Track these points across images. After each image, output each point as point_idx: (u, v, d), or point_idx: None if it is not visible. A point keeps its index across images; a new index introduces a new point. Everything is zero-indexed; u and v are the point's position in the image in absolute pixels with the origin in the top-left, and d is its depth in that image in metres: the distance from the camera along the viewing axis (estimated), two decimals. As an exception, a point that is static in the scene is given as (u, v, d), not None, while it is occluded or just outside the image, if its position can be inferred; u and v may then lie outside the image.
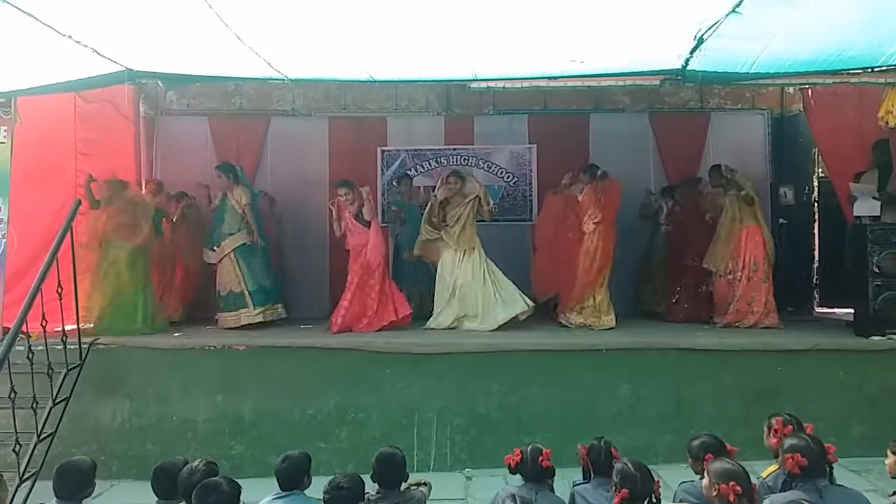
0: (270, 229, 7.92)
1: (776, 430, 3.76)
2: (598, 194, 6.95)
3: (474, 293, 6.93)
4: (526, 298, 6.91)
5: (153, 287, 6.88)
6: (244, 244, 7.05)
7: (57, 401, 5.31)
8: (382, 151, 8.68)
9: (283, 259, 8.30)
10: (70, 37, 4.69)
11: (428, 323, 6.96)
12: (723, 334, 6.61)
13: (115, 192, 6.69)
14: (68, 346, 5.55)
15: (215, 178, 7.22)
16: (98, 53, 5.15)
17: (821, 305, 8.44)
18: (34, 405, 5.04)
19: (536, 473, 3.47)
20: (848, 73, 5.82)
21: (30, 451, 4.94)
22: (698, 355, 6.04)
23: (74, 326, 5.89)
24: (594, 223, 6.92)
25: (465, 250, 7.00)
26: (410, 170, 8.60)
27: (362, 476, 3.47)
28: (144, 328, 6.52)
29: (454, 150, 8.69)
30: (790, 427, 3.71)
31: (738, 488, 2.90)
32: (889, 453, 3.60)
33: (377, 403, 5.93)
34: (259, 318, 6.97)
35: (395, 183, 8.33)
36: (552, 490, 3.54)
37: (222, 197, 7.15)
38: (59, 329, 5.53)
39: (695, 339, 6.30)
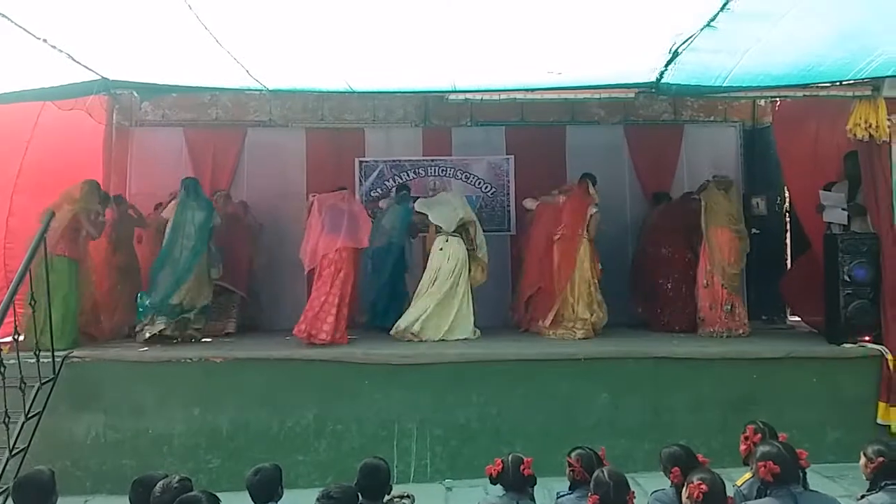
0: (240, 238, 7.88)
1: (746, 438, 3.83)
2: (572, 204, 7.10)
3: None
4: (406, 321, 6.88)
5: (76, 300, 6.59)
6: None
7: (30, 415, 5.21)
8: (360, 162, 8.68)
9: (256, 269, 8.23)
10: (45, 40, 4.63)
11: None
12: (699, 343, 6.69)
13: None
14: (41, 360, 5.44)
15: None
16: (73, 59, 5.10)
17: (794, 314, 8.56)
18: (6, 420, 4.93)
19: (518, 483, 3.47)
20: (817, 87, 5.95)
21: (2, 467, 4.82)
22: (675, 364, 6.09)
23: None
24: (560, 231, 7.07)
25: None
26: (388, 180, 8.61)
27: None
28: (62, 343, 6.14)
29: (432, 160, 8.72)
30: (759, 435, 3.78)
31: (704, 487, 2.95)
32: (861, 455, 3.68)
33: (356, 415, 5.90)
34: (170, 332, 6.68)
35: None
36: (533, 499, 3.55)
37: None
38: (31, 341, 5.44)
39: (671, 347, 6.37)
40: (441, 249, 7.06)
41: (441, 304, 6.93)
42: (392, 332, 6.92)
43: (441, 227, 7.12)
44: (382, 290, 7.64)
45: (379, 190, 8.56)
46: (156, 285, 6.70)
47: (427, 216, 7.20)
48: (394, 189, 8.33)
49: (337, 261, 6.64)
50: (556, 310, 7.03)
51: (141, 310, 6.65)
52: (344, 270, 6.66)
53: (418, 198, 7.90)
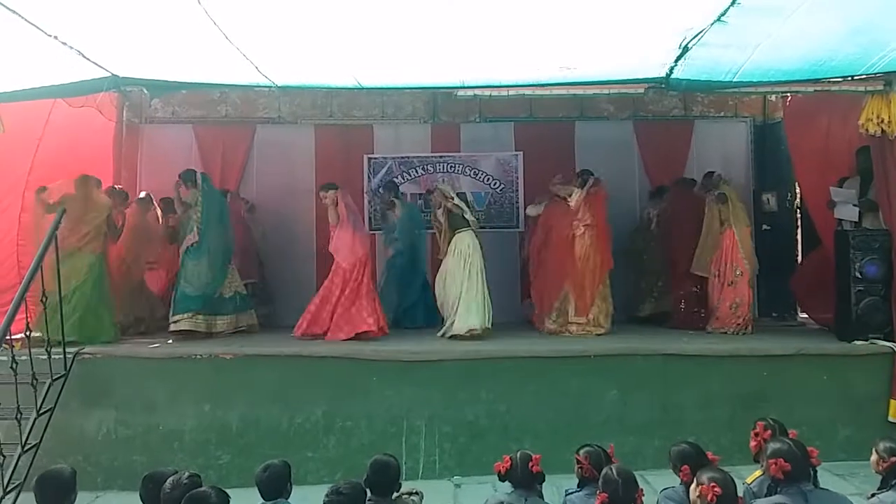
0: (247, 236, 7.92)
1: (756, 434, 3.83)
2: (588, 200, 7.02)
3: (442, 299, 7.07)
4: (480, 320, 6.79)
5: (111, 294, 6.76)
6: (189, 247, 6.87)
7: (41, 411, 5.24)
8: (369, 159, 8.69)
9: (265, 267, 8.26)
10: (56, 37, 4.64)
11: None
12: (708, 340, 6.66)
13: (79, 191, 6.59)
14: (53, 357, 5.48)
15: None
16: (84, 56, 5.11)
17: (803, 311, 8.50)
18: (18, 416, 4.97)
19: (526, 480, 3.47)
20: (829, 82, 5.91)
21: (14, 463, 4.86)
22: (685, 361, 6.07)
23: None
24: (584, 226, 6.97)
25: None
26: (396, 177, 8.61)
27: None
28: (106, 336, 6.44)
29: (441, 157, 8.72)
30: (769, 432, 3.76)
31: (718, 490, 2.94)
32: (873, 451, 3.65)
33: (365, 412, 5.91)
34: (174, 326, 6.68)
35: (380, 190, 8.36)
36: (541, 496, 3.55)
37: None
38: (44, 338, 5.47)
39: (681, 344, 6.34)
40: (473, 245, 7.07)
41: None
42: (465, 331, 6.76)
43: (469, 224, 7.15)
44: (424, 291, 7.72)
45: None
46: (196, 278, 6.82)
47: (464, 212, 7.22)
48: (382, 188, 8.25)
49: (368, 259, 6.90)
50: (595, 305, 7.00)
51: (187, 302, 6.75)
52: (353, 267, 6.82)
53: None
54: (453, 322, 6.84)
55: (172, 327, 6.67)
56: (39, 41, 4.66)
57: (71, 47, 4.89)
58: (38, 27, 4.45)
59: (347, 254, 6.76)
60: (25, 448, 5.02)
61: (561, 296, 7.06)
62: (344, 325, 6.61)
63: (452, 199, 7.21)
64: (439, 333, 6.90)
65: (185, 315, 6.69)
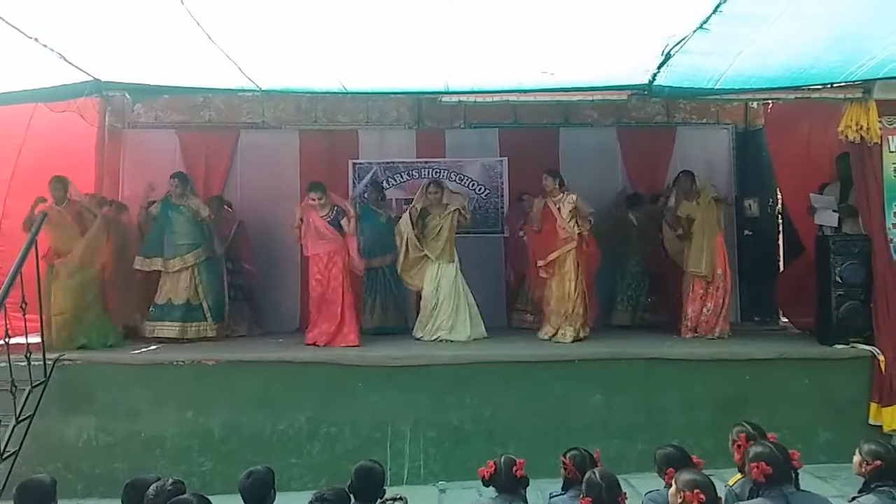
0: (246, 248, 7.97)
1: (739, 446, 3.79)
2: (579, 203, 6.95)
3: (448, 308, 6.98)
4: (482, 326, 7.03)
5: (105, 299, 6.79)
6: (209, 257, 6.97)
7: (20, 418, 5.17)
8: (354, 164, 8.67)
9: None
10: (37, 40, 4.59)
11: (414, 333, 7.09)
12: (691, 344, 6.70)
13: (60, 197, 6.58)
14: (32, 363, 5.41)
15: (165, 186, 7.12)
16: (65, 60, 5.06)
17: (785, 317, 8.57)
18: (-4, 423, 4.92)
19: (510, 484, 3.48)
20: (809, 89, 5.98)
21: (-8, 471, 4.82)
22: (668, 365, 6.11)
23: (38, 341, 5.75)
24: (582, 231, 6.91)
25: (440, 264, 7.03)
26: (382, 182, 8.59)
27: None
28: (102, 341, 6.48)
29: (426, 162, 8.72)
30: (751, 442, 3.76)
31: (703, 496, 2.95)
32: (856, 453, 3.67)
33: (350, 417, 5.89)
34: (213, 334, 6.93)
35: (364, 187, 8.38)
36: (525, 501, 3.56)
37: (172, 206, 7.00)
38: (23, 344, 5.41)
39: (664, 348, 6.38)
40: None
41: None
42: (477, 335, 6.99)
43: None
44: None
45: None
46: (218, 287, 7.16)
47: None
48: (370, 186, 8.30)
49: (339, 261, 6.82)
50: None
51: (220, 310, 7.08)
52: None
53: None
54: (465, 327, 6.94)
55: (210, 334, 6.93)
56: (19, 43, 4.60)
57: (52, 50, 4.84)
58: (17, 29, 4.40)
59: (360, 260, 6.92)
60: (4, 456, 4.95)
61: (570, 303, 6.93)
62: (355, 327, 6.74)
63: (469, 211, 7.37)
64: (443, 337, 6.91)
65: (222, 323, 7.10)
